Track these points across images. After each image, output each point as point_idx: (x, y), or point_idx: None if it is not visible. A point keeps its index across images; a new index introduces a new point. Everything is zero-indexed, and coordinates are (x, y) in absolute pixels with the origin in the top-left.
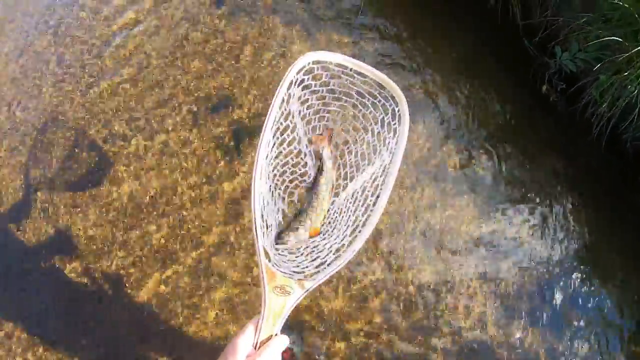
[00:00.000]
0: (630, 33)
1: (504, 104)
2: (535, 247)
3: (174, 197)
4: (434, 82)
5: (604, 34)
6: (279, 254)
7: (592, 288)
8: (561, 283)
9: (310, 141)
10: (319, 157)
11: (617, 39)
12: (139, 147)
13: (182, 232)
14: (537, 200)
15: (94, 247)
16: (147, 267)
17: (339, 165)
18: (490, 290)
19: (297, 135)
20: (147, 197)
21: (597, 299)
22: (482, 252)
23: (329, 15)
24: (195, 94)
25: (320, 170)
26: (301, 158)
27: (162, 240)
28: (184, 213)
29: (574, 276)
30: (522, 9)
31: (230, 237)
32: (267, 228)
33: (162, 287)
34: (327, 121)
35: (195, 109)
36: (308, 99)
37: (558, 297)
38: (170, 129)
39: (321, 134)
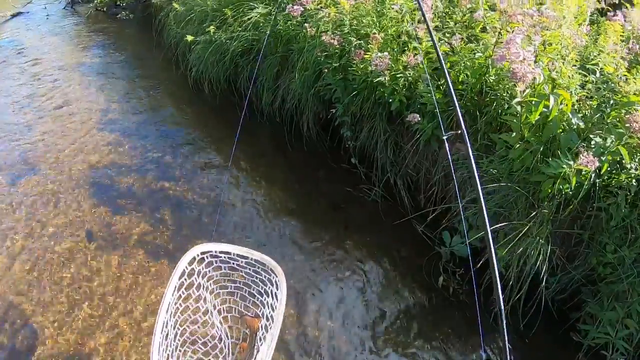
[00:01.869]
0: (520, 197)
1: (406, 304)
2: None
3: None
4: (325, 278)
5: (490, 205)
6: None
7: None
8: None
9: (245, 322)
10: (254, 332)
11: (506, 210)
12: None
13: None
14: None
15: None
16: None
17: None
18: None
19: (206, 307)
20: None
21: None
22: None
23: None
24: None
25: (253, 343)
26: (210, 327)
27: None
28: None
29: None
30: (409, 198)
31: None
32: None
33: None
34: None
35: None
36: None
37: None
38: None
39: (255, 317)
